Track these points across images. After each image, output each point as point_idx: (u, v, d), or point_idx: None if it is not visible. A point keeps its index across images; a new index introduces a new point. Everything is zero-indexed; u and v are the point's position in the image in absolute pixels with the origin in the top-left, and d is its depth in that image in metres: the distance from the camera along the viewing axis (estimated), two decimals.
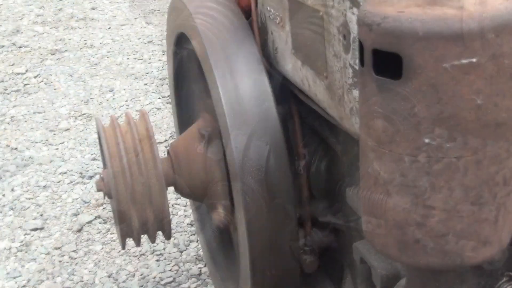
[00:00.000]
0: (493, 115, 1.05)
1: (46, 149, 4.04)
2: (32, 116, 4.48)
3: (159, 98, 4.68)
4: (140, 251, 3.07)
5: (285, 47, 1.87)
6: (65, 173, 3.76)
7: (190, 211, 3.28)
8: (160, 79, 4.98)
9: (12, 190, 3.61)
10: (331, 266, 2.17)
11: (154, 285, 2.87)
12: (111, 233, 3.22)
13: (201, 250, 2.97)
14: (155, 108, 4.53)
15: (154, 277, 2.91)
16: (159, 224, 2.08)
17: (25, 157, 3.95)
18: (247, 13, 2.13)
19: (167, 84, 4.82)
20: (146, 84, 4.92)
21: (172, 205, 3.37)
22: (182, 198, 3.37)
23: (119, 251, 3.08)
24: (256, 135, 1.88)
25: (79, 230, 3.25)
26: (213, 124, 2.08)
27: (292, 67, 1.84)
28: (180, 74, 2.57)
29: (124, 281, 2.90)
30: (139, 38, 5.85)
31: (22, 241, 3.18)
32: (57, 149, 4.04)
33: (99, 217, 3.35)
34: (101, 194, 3.44)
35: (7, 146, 4.09)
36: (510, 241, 1.18)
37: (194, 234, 3.16)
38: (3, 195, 3.57)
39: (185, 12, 2.13)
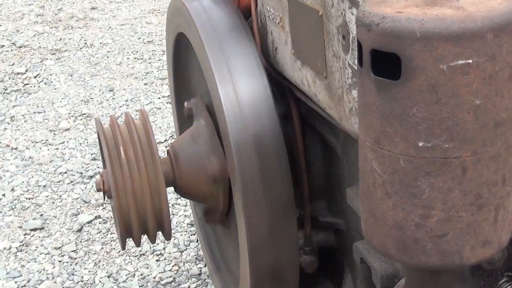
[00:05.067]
0: (491, 115, 1.05)
1: (46, 149, 4.04)
2: (32, 116, 4.49)
3: (159, 98, 4.68)
4: (140, 251, 3.07)
5: (285, 47, 1.87)
6: (65, 173, 3.76)
7: (190, 211, 3.28)
8: (160, 79, 4.98)
9: (12, 190, 3.61)
10: (331, 266, 2.17)
11: (154, 285, 2.87)
12: (111, 233, 3.22)
13: (201, 250, 2.97)
14: (155, 108, 4.53)
15: (154, 277, 2.92)
16: (159, 224, 2.08)
17: (25, 157, 3.95)
18: (246, 13, 2.13)
19: (167, 84, 4.82)
20: (146, 84, 4.92)
21: (172, 205, 3.37)
22: (182, 198, 3.37)
23: (119, 251, 3.08)
24: (256, 135, 1.88)
25: (79, 230, 3.25)
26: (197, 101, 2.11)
27: (292, 67, 1.84)
28: (180, 74, 2.57)
29: (124, 281, 2.90)
30: (139, 38, 5.85)
31: (22, 241, 3.18)
32: (57, 149, 4.04)
33: (99, 217, 3.35)
34: (101, 194, 3.45)
35: (7, 146, 4.10)
36: (509, 241, 1.18)
37: (194, 234, 3.16)
38: (3, 195, 3.57)
39: (185, 12, 2.13)
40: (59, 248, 3.13)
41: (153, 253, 3.06)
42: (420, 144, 1.05)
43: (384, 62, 1.07)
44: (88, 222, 3.30)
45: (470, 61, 1.02)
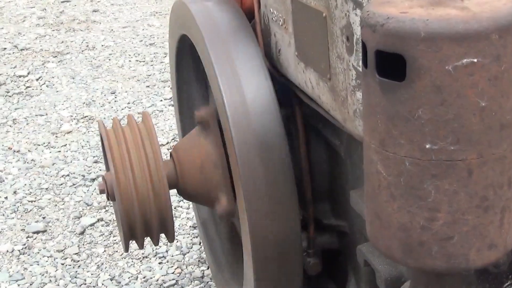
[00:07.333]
0: (497, 117, 1.04)
1: (48, 152, 4.03)
2: (34, 118, 4.48)
3: (161, 100, 4.67)
4: (143, 253, 3.07)
5: (288, 49, 1.86)
6: (68, 175, 3.75)
7: (193, 213, 3.27)
8: (162, 81, 4.98)
9: (15, 192, 3.60)
10: (335, 269, 2.16)
11: None
12: (114, 236, 3.22)
13: (204, 252, 2.97)
14: (157, 110, 4.52)
15: (157, 280, 2.91)
16: (162, 227, 2.07)
17: (28, 159, 3.95)
18: (250, 15, 2.13)
19: (169, 86, 4.81)
20: (148, 86, 4.92)
21: (175, 208, 3.37)
22: (184, 200, 3.36)
23: (122, 254, 3.08)
24: (260, 137, 1.87)
25: (82, 233, 3.25)
26: (212, 112, 2.08)
27: (295, 69, 1.84)
28: (183, 76, 2.57)
29: (127, 284, 2.90)
30: (141, 41, 5.84)
31: (24, 244, 3.18)
32: (59, 151, 4.04)
33: (101, 219, 3.34)
34: (103, 196, 3.44)
35: (10, 148, 4.09)
36: None
37: (197, 237, 3.16)
38: (6, 197, 3.56)
39: (188, 14, 2.12)
40: (62, 251, 3.13)
41: (155, 255, 3.05)
42: (426, 147, 1.05)
43: (389, 63, 1.06)
44: (91, 225, 3.30)
45: (475, 61, 1.01)
